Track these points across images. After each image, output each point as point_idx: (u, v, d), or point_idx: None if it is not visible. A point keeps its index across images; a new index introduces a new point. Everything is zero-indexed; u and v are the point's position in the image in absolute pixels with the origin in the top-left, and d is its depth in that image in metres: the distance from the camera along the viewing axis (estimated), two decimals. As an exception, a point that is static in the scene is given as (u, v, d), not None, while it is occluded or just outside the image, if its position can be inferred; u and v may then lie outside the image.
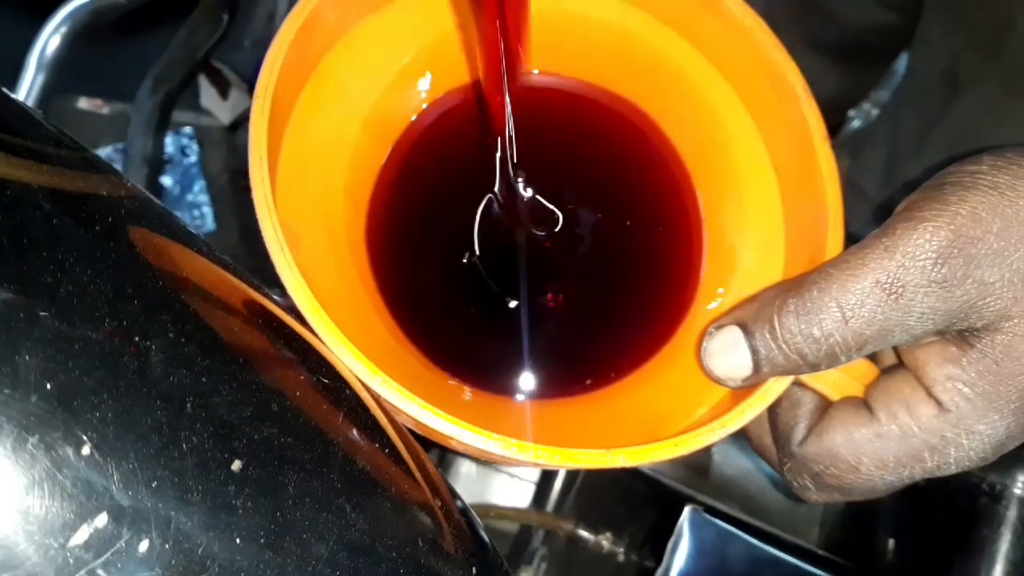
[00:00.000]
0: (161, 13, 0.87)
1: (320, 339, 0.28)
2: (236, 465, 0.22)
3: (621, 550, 0.46)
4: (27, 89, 0.76)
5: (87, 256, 0.22)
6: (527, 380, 0.37)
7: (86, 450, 0.20)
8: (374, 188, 0.37)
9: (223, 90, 1.31)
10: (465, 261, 0.38)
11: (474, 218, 0.38)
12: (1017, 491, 0.46)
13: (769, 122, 0.37)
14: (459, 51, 0.38)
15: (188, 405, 0.22)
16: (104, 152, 1.32)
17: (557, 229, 0.38)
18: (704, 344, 0.32)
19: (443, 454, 0.68)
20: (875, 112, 1.13)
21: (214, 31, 0.84)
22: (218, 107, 1.33)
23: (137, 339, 0.22)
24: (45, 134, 0.25)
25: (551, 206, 0.39)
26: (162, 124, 0.88)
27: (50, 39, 0.77)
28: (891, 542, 0.55)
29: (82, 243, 0.23)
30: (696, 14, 0.36)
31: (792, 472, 0.32)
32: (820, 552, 0.46)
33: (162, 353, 0.22)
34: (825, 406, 0.32)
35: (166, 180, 1.32)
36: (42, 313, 0.21)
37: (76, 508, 0.20)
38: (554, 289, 0.38)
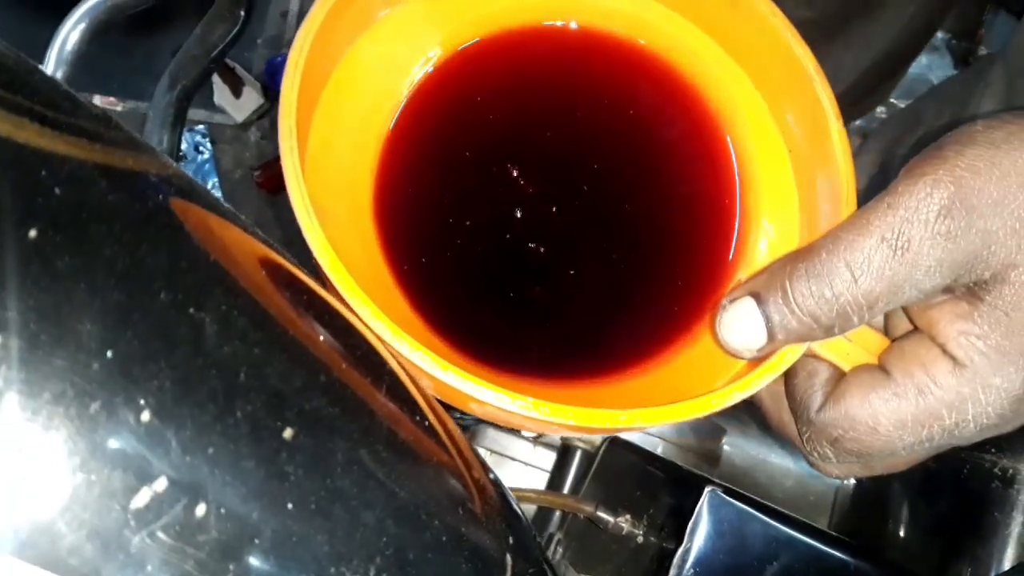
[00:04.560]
0: (173, 14, 0.87)
1: (344, 302, 0.28)
2: (288, 433, 0.23)
3: (640, 532, 0.47)
4: (46, 84, 0.77)
5: (142, 230, 0.23)
6: (544, 361, 0.37)
7: (146, 416, 0.21)
8: (400, 168, 0.38)
9: (236, 88, 1.32)
10: (483, 239, 0.39)
11: (497, 194, 0.38)
12: (1030, 475, 0.47)
13: (782, 104, 0.38)
14: (485, 33, 0.38)
15: (242, 374, 0.23)
16: (117, 148, 1.32)
17: (582, 202, 0.39)
18: (718, 317, 0.32)
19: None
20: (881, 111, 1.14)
21: (230, 29, 0.85)
22: (231, 105, 1.34)
23: (192, 311, 0.23)
24: (94, 116, 0.26)
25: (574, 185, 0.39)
26: (178, 120, 0.88)
27: (70, 35, 0.78)
28: (902, 528, 0.56)
29: (136, 218, 0.23)
30: (710, 2, 0.37)
31: (811, 441, 0.33)
32: (835, 534, 0.47)
33: (216, 324, 0.23)
34: (841, 376, 0.33)
35: (179, 176, 1.32)
36: (102, 284, 0.21)
37: (137, 472, 0.20)
38: (578, 268, 0.39)
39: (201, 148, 1.36)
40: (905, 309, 0.32)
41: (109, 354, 0.21)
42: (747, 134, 0.39)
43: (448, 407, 0.31)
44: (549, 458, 0.65)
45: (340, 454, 0.23)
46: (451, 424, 0.28)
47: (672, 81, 0.39)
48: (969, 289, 0.30)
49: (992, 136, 0.29)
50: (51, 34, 0.74)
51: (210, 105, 1.36)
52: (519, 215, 0.38)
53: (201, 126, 1.37)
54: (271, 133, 1.39)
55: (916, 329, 0.32)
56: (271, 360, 0.23)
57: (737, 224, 0.38)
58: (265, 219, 1.33)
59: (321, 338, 0.25)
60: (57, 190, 0.22)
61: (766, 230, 0.38)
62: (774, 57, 0.36)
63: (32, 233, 0.21)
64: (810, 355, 0.32)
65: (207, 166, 1.35)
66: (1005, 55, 0.62)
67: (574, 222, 0.39)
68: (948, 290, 0.30)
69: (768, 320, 0.31)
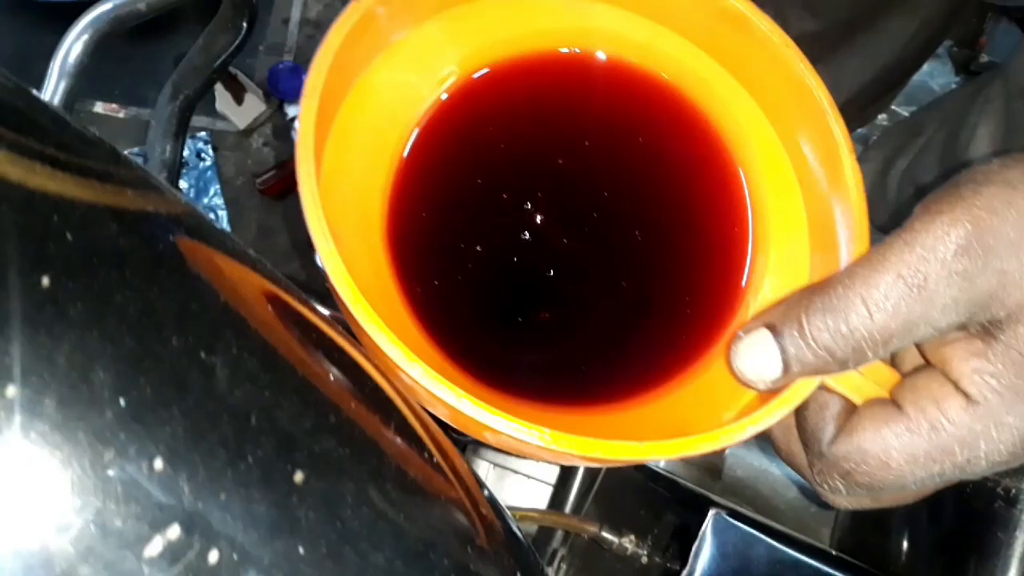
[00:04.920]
0: (175, 21, 0.88)
1: (360, 327, 0.28)
2: (299, 477, 0.23)
3: (645, 552, 0.47)
4: (50, 95, 0.77)
5: (153, 274, 0.23)
6: (553, 387, 0.37)
7: (159, 464, 0.21)
8: (412, 192, 0.38)
9: (238, 95, 1.32)
10: (494, 264, 0.39)
11: (509, 221, 0.39)
12: (1033, 495, 0.47)
13: (794, 135, 0.38)
14: (499, 60, 0.39)
15: (253, 418, 0.23)
16: (119, 155, 1.32)
17: (593, 230, 0.39)
18: (733, 347, 0.32)
19: (463, 452, 0.69)
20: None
21: (233, 39, 0.85)
22: (233, 112, 1.34)
23: (203, 355, 0.23)
24: (104, 154, 0.26)
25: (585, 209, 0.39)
26: (181, 130, 0.89)
27: (72, 46, 0.78)
28: (905, 545, 0.56)
29: (147, 261, 0.23)
30: (723, 32, 0.37)
31: (822, 473, 0.33)
32: (840, 555, 0.47)
33: (227, 368, 0.23)
34: (852, 408, 0.33)
35: (182, 184, 1.32)
36: (114, 331, 0.22)
37: (150, 520, 0.21)
38: (589, 296, 0.39)
39: (203, 155, 1.36)
40: (917, 345, 0.33)
41: (122, 402, 0.21)
42: (757, 164, 0.39)
43: (448, 429, 0.31)
44: (552, 471, 0.65)
45: (350, 496, 0.24)
46: (458, 460, 0.28)
47: (684, 110, 0.39)
48: (984, 327, 0.30)
49: (1008, 175, 0.29)
50: (55, 41, 0.74)
51: (212, 112, 1.36)
52: (531, 242, 0.39)
53: (203, 133, 1.37)
54: (273, 140, 1.40)
55: (928, 364, 0.32)
56: (281, 402, 0.23)
57: (749, 255, 0.38)
58: (267, 226, 1.33)
59: (330, 377, 0.26)
60: (68, 236, 0.22)
61: (776, 261, 0.38)
62: (787, 88, 0.36)
63: (45, 281, 0.21)
64: (821, 387, 0.32)
65: (209, 173, 1.35)
66: (1005, 73, 0.62)
67: (586, 249, 0.39)
68: (962, 327, 0.30)
69: (783, 352, 0.31)
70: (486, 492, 0.29)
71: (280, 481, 0.23)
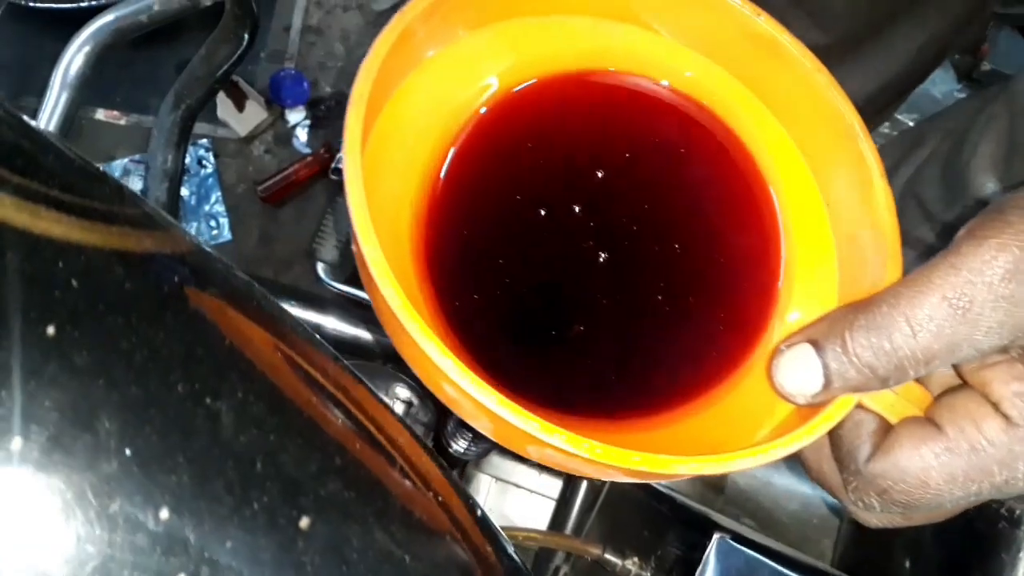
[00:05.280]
0: (177, 28, 0.88)
1: (410, 339, 0.29)
2: (304, 522, 0.23)
3: (648, 574, 0.47)
4: (52, 108, 0.77)
5: (159, 319, 0.23)
6: (587, 401, 0.37)
7: (164, 513, 0.21)
8: (443, 204, 0.38)
9: (240, 103, 1.32)
10: (528, 278, 0.39)
11: (544, 235, 0.39)
12: (1037, 517, 0.47)
13: (822, 158, 0.38)
14: (534, 77, 0.39)
15: (258, 464, 0.23)
16: (121, 163, 1.33)
17: (625, 245, 0.39)
18: (775, 361, 0.33)
19: (464, 470, 0.69)
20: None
21: (235, 49, 0.85)
22: (234, 119, 1.34)
23: (209, 400, 0.23)
24: (109, 191, 0.26)
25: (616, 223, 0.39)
26: (183, 139, 0.89)
27: (74, 58, 0.78)
28: (907, 564, 0.56)
29: (153, 306, 0.23)
30: (752, 55, 0.38)
31: (858, 491, 0.33)
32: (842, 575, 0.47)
33: (232, 413, 0.23)
34: (887, 427, 0.33)
35: (183, 191, 1.32)
36: (120, 379, 0.22)
37: (156, 570, 0.21)
38: (617, 303, 0.39)
39: (204, 162, 1.36)
40: (955, 365, 0.33)
41: (128, 452, 0.21)
42: (783, 185, 0.39)
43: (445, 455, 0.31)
44: (555, 485, 0.65)
45: (355, 539, 0.24)
46: (458, 499, 0.28)
47: (718, 131, 0.40)
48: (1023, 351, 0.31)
49: None
50: (57, 49, 0.74)
51: (213, 119, 1.36)
52: (566, 256, 0.39)
53: (204, 140, 1.37)
54: (274, 147, 1.40)
55: (963, 385, 0.33)
56: (287, 446, 0.23)
57: (781, 274, 0.39)
58: (268, 233, 1.33)
59: (335, 418, 0.26)
60: (74, 282, 0.22)
61: (802, 283, 0.38)
62: (816, 111, 0.37)
63: (50, 330, 0.21)
64: (857, 406, 0.33)
65: (210, 180, 1.35)
66: (1010, 90, 0.62)
67: (619, 265, 0.39)
68: (1004, 350, 0.31)
69: (826, 368, 0.31)
70: (480, 512, 0.29)
71: (286, 527, 0.22)
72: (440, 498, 0.27)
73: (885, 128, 1.18)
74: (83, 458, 0.20)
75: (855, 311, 0.31)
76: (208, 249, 0.28)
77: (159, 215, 0.28)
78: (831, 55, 0.80)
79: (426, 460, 0.28)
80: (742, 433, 0.35)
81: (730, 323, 0.39)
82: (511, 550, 0.29)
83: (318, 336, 0.29)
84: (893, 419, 0.33)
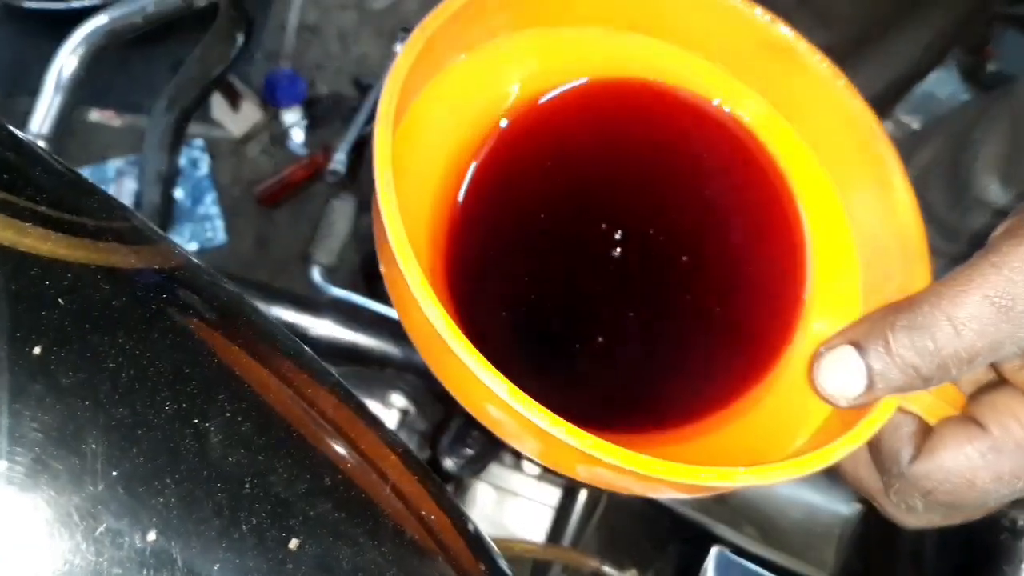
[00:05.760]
0: (172, 29, 0.87)
1: (456, 360, 0.28)
2: (293, 544, 0.22)
3: (646, 586, 0.47)
4: (45, 110, 0.77)
5: (146, 337, 0.23)
6: (613, 416, 0.37)
7: (152, 536, 0.21)
8: (458, 220, 0.37)
9: (235, 103, 1.32)
10: (552, 295, 0.38)
11: (562, 250, 0.39)
12: (1038, 528, 0.46)
13: (841, 165, 0.38)
14: (553, 85, 0.39)
15: (247, 485, 0.22)
16: (116, 164, 1.32)
17: (648, 257, 0.39)
18: (816, 364, 0.33)
19: (461, 481, 0.68)
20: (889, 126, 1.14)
21: (228, 51, 0.85)
22: (229, 119, 1.34)
23: (197, 421, 0.22)
24: (98, 204, 0.26)
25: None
26: (176, 141, 0.89)
27: (67, 60, 0.77)
28: (910, 573, 0.56)
29: (141, 323, 0.23)
30: (769, 64, 0.38)
31: (901, 493, 0.33)
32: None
33: (221, 433, 0.22)
34: (926, 428, 0.33)
35: (177, 192, 1.32)
36: (106, 399, 0.21)
37: (143, 593, 0.20)
38: (643, 316, 0.39)
39: (199, 163, 1.35)
40: (995, 364, 0.33)
41: (114, 474, 0.20)
42: (802, 193, 0.39)
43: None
44: (553, 494, 0.65)
45: (345, 560, 0.23)
46: (450, 517, 0.28)
47: (740, 141, 0.40)
48: None
49: None
50: (52, 50, 0.74)
51: (208, 119, 1.35)
52: (589, 272, 0.38)
53: (199, 140, 1.36)
54: (270, 148, 1.39)
55: (1001, 383, 0.33)
56: (276, 466, 0.23)
57: (808, 282, 0.38)
58: (263, 235, 1.33)
59: (325, 436, 0.25)
60: (61, 300, 0.22)
61: (824, 290, 0.38)
62: (834, 117, 0.37)
63: (36, 350, 0.21)
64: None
65: (205, 181, 1.35)
66: (1013, 92, 0.62)
67: (643, 275, 0.39)
68: None
69: (868, 369, 0.31)
70: (473, 529, 0.29)
71: (275, 548, 0.22)
72: (432, 516, 0.27)
73: (888, 128, 1.17)
74: (68, 480, 0.20)
75: (896, 312, 0.31)
76: (198, 262, 0.28)
77: (148, 228, 0.27)
78: (836, 54, 0.80)
79: (418, 477, 0.27)
80: (777, 443, 0.35)
81: (756, 332, 0.38)
82: (504, 567, 0.29)
83: (309, 351, 0.28)
84: (931, 420, 0.33)
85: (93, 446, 0.21)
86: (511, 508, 0.64)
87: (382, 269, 0.33)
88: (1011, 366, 0.32)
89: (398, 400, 0.61)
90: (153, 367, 0.22)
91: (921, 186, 0.72)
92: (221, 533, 0.21)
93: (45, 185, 0.25)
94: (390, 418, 0.62)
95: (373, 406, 0.62)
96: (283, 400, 0.25)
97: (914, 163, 0.75)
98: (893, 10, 0.82)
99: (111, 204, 0.26)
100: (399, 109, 0.32)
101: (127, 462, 0.21)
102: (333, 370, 0.44)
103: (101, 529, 0.20)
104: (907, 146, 0.78)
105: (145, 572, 0.20)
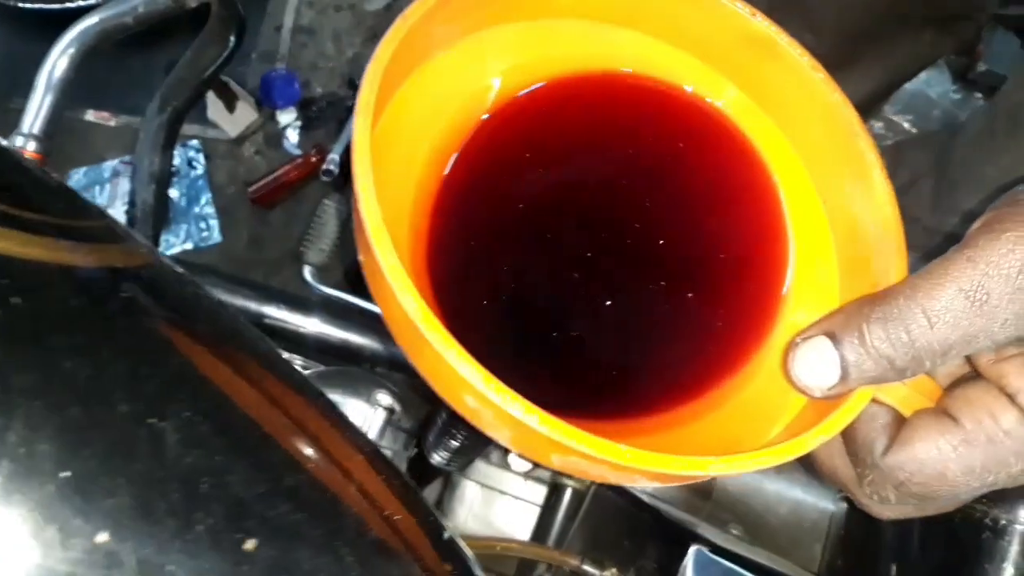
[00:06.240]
0: (168, 29, 0.87)
1: (431, 348, 0.28)
2: (249, 544, 0.22)
3: (627, 585, 0.47)
4: (36, 110, 0.77)
5: (104, 337, 0.23)
6: (591, 404, 0.37)
7: (103, 537, 0.20)
8: (439, 211, 0.37)
9: (230, 103, 1.32)
10: (532, 286, 0.38)
11: (542, 241, 0.38)
12: (1019, 527, 0.46)
13: (820, 158, 0.38)
14: (534, 78, 0.39)
15: (203, 485, 0.22)
16: (111, 164, 1.32)
17: (627, 247, 0.39)
18: (791, 354, 0.33)
19: (449, 479, 0.68)
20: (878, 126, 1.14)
21: (221, 52, 0.84)
22: (225, 120, 1.33)
23: (153, 420, 0.22)
24: (64, 203, 0.26)
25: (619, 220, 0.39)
26: (169, 142, 0.88)
27: (58, 60, 0.77)
28: (894, 569, 0.55)
29: (100, 323, 0.23)
30: (749, 57, 0.38)
31: (875, 484, 0.34)
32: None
33: (178, 433, 0.22)
34: (900, 420, 0.34)
35: (173, 192, 1.32)
36: (59, 400, 0.21)
37: (94, 594, 0.20)
38: (622, 305, 0.39)
39: (194, 163, 1.35)
40: (970, 357, 0.33)
41: (66, 474, 0.20)
42: (780, 185, 0.39)
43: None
44: (540, 492, 0.65)
45: (304, 562, 0.23)
46: (419, 520, 0.28)
47: (720, 132, 0.40)
48: None
49: None
50: (45, 49, 0.74)
51: (204, 120, 1.35)
52: (568, 262, 0.38)
53: (195, 141, 1.36)
54: (265, 148, 1.39)
55: (976, 376, 0.33)
56: (234, 467, 0.23)
57: (789, 272, 0.38)
58: (258, 235, 1.33)
59: (287, 436, 0.25)
60: (17, 299, 0.22)
61: (802, 281, 0.38)
62: (812, 110, 0.37)
63: (-13, 349, 0.21)
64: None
65: (200, 182, 1.35)
66: (989, 109, 0.62)
67: (622, 264, 0.39)
68: (1020, 343, 0.31)
69: (843, 360, 0.31)
70: (446, 535, 0.29)
71: (230, 550, 0.22)
72: (399, 519, 0.27)
73: (880, 128, 1.17)
74: (18, 482, 0.20)
75: (871, 303, 0.31)
76: (166, 260, 0.28)
77: (117, 227, 0.27)
78: (824, 59, 0.80)
79: (387, 479, 0.27)
80: (753, 432, 0.36)
81: (735, 322, 0.39)
82: (475, 569, 0.29)
83: (277, 350, 0.28)
84: (906, 412, 0.33)
85: (44, 447, 0.20)
86: (498, 506, 0.64)
87: (360, 258, 0.32)
88: (986, 360, 0.33)
89: (384, 399, 0.61)
90: (111, 367, 0.22)
91: (901, 193, 0.73)
92: (175, 534, 0.21)
93: (9, 181, 0.25)
94: (376, 417, 0.62)
95: (359, 405, 0.62)
96: (245, 400, 0.25)
97: (897, 175, 0.76)
98: (879, 21, 0.82)
99: (76, 202, 0.26)
100: (380, 99, 0.32)
101: (79, 462, 0.21)
102: (305, 367, 0.44)
103: (52, 530, 0.20)
104: (886, 154, 0.78)
105: (96, 573, 0.20)
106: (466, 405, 0.30)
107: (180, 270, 0.28)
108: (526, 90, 0.39)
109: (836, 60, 0.81)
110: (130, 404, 0.22)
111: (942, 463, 0.32)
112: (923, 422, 0.33)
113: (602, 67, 0.40)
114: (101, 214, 0.27)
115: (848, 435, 0.35)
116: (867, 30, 0.81)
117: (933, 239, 0.71)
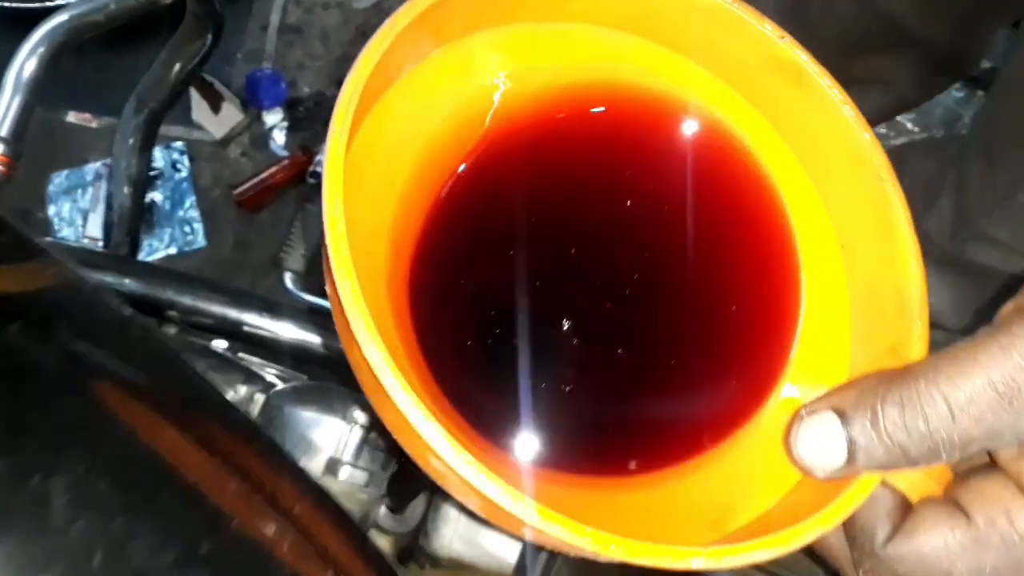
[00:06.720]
0: (151, 30, 0.85)
1: (396, 409, 0.24)
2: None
3: (617, 623, 0.44)
4: (3, 111, 0.74)
5: (-18, 377, 0.19)
6: (575, 455, 0.34)
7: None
8: (418, 235, 0.34)
9: (215, 104, 1.29)
10: (521, 327, 0.35)
11: (534, 276, 0.35)
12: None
13: (841, 199, 0.35)
14: (518, 97, 0.36)
15: (98, 555, 0.19)
16: (94, 167, 1.30)
17: (628, 292, 0.36)
18: (795, 427, 0.30)
19: (432, 497, 0.65)
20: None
21: (197, 50, 0.83)
22: (210, 121, 1.31)
23: (37, 479, 0.19)
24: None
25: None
26: (147, 144, 0.87)
27: (27, 61, 0.75)
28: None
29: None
30: (772, 82, 0.35)
31: (871, 573, 0.31)
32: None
33: (68, 494, 0.19)
34: (906, 505, 0.31)
35: (156, 196, 1.29)
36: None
37: None
38: (619, 357, 0.36)
39: (179, 166, 1.32)
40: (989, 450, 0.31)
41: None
42: (795, 227, 0.36)
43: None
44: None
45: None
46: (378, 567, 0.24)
47: (734, 164, 0.37)
48: None
49: None
50: (13, 48, 0.71)
51: (188, 121, 1.33)
52: (562, 303, 0.36)
53: (179, 143, 1.34)
54: (251, 150, 1.36)
55: (995, 467, 0.30)
56: (136, 532, 0.19)
57: (798, 330, 0.35)
58: (243, 239, 1.30)
59: (208, 492, 0.21)
60: None
61: (809, 340, 0.35)
62: (839, 149, 0.34)
63: None
64: None
65: (184, 184, 1.32)
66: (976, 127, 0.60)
67: (619, 315, 0.36)
68: None
69: (852, 442, 0.28)
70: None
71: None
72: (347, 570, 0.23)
73: (881, 129, 1.15)
74: None
75: (888, 383, 0.28)
76: (87, 279, 0.24)
77: (30, 244, 0.24)
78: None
79: (332, 535, 0.24)
80: (747, 501, 0.33)
81: (735, 379, 0.36)
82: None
83: (211, 385, 0.25)
84: (914, 497, 0.30)
85: None
86: (484, 535, 0.61)
87: (327, 288, 0.29)
88: (1007, 454, 0.30)
89: (361, 416, 0.58)
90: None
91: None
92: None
93: None
94: (353, 435, 0.59)
95: (335, 422, 0.59)
96: (157, 449, 0.21)
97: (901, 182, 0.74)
98: (882, 34, 0.80)
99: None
100: (361, 107, 0.29)
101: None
102: (282, 377, 0.40)
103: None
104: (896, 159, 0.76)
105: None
106: (432, 467, 0.27)
107: (97, 290, 0.25)
108: (527, 110, 0.36)
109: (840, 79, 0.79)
110: (9, 461, 0.18)
111: (948, 561, 0.29)
112: (932, 512, 0.30)
113: (609, 78, 0.37)
114: (11, 228, 0.24)
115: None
116: (869, 45, 0.79)
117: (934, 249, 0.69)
